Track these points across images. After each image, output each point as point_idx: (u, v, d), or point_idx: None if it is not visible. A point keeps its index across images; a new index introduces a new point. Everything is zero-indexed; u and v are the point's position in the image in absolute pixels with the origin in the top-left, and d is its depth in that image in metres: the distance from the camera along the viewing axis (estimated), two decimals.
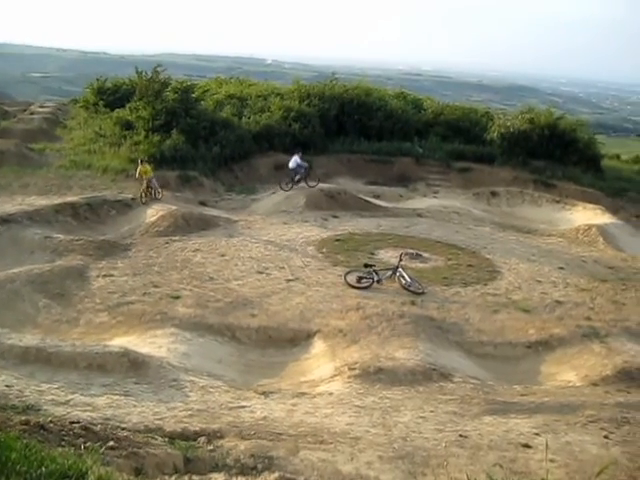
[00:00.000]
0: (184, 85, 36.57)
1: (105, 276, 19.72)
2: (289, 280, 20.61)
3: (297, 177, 31.32)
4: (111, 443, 8.42)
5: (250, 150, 35.68)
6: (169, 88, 35.71)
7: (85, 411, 10.93)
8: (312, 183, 31.29)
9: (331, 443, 10.81)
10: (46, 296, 17.88)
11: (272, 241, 24.43)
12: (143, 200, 26.87)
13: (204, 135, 34.40)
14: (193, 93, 37.23)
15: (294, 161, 31.21)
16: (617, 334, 18.19)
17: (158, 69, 36.64)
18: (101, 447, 8.02)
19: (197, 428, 10.81)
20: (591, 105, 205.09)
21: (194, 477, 8.15)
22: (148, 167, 27.52)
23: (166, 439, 9.97)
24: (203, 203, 29.52)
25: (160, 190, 27.69)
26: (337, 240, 25.12)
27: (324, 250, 23.75)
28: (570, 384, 15.68)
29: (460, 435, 11.62)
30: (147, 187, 27.19)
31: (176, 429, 10.67)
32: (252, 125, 37.21)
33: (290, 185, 31.19)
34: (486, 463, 10.28)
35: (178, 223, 25.06)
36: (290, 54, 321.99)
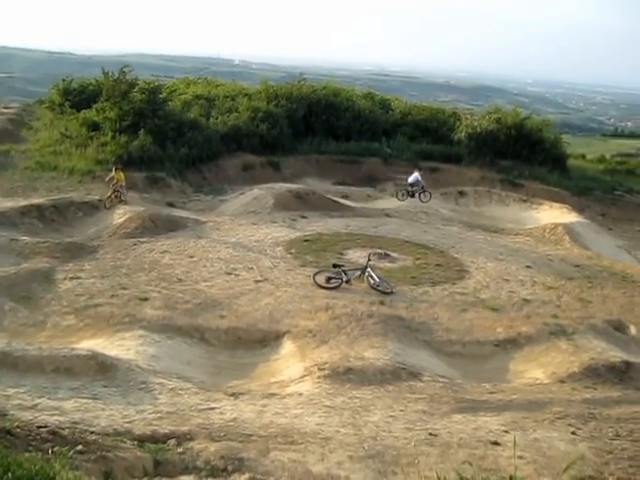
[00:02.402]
0: (151, 86, 36.28)
1: (72, 278, 19.52)
2: (258, 281, 20.57)
3: (413, 190, 33.16)
4: (79, 447, 8.35)
5: (218, 151, 35.56)
6: (136, 89, 35.43)
7: (53, 415, 10.82)
8: (425, 199, 33.03)
9: (301, 443, 10.82)
10: (12, 299, 17.64)
11: (241, 242, 24.36)
12: (107, 205, 26.59)
13: (172, 136, 34.20)
14: (160, 94, 36.97)
15: (414, 177, 33.28)
16: (583, 331, 18.38)
17: (125, 70, 36.47)
18: (69, 451, 7.95)
19: (167, 430, 10.75)
20: (557, 105, 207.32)
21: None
22: (122, 174, 27.37)
23: (135, 442, 9.91)
24: (171, 204, 29.35)
25: (126, 192, 27.54)
26: (306, 240, 25.12)
27: (293, 251, 23.74)
28: (538, 381, 15.82)
29: (430, 433, 11.68)
30: (114, 192, 26.96)
31: (145, 432, 10.60)
32: (220, 126, 37.10)
33: (405, 197, 33.28)
34: (456, 461, 10.34)
35: (146, 224, 24.90)
36: (258, 55, 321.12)
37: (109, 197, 26.85)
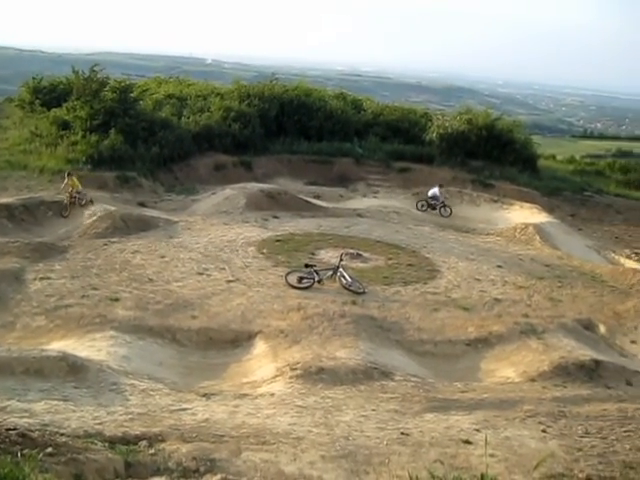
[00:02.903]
0: (122, 84, 36.04)
1: (42, 279, 19.34)
2: (230, 281, 20.53)
3: (433, 203, 33.31)
4: (50, 449, 8.27)
5: (190, 150, 35.39)
6: (107, 87, 35.19)
7: (22, 417, 10.71)
8: (445, 214, 32.97)
9: (274, 444, 10.81)
10: None
11: (212, 242, 24.27)
12: (65, 214, 25.89)
13: (143, 135, 33.99)
14: (132, 93, 36.73)
15: (433, 192, 33.33)
16: (554, 330, 18.59)
17: (96, 68, 36.15)
18: (39, 454, 7.87)
19: (138, 432, 10.69)
20: (527, 106, 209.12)
21: None
22: (75, 180, 26.74)
23: (106, 444, 9.83)
24: (142, 204, 29.18)
25: (85, 194, 26.93)
26: (278, 240, 25.10)
27: (265, 251, 23.71)
28: (509, 380, 15.96)
29: (402, 433, 11.73)
30: (71, 199, 26.30)
31: (116, 433, 10.53)
32: (192, 125, 36.94)
33: (425, 208, 33.42)
34: (428, 460, 10.39)
35: (117, 224, 24.74)
36: (230, 54, 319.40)
37: (66, 205, 26.19)
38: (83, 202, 26.60)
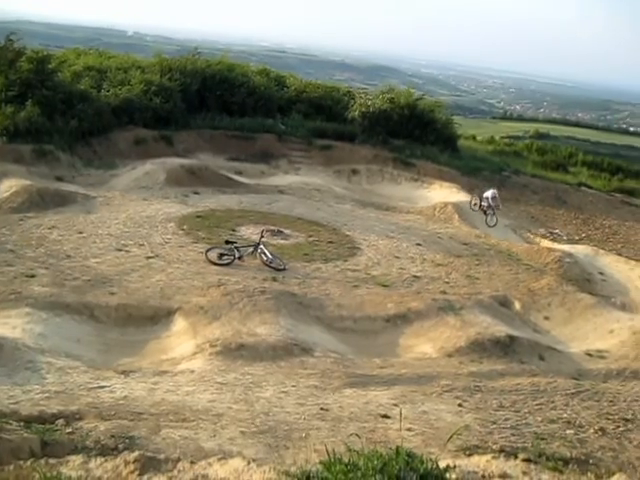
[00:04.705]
0: (40, 55, 34.94)
1: None
2: (149, 257, 20.29)
3: (483, 205, 30.58)
4: None
5: (109, 124, 34.64)
6: (24, 58, 34.16)
7: None
8: (491, 222, 30.24)
9: (193, 421, 10.81)
10: None
11: (131, 218, 23.91)
12: None
13: (61, 108, 33.11)
14: (49, 64, 35.66)
15: (486, 194, 30.52)
16: (470, 307, 18.98)
17: (12, 37, 35.04)
18: None
19: (55, 410, 10.54)
20: (450, 87, 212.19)
21: (51, 461, 7.99)
22: None
23: (22, 423, 9.67)
24: (60, 178, 28.51)
25: None
26: (198, 217, 24.91)
27: (185, 227, 23.51)
28: (427, 356, 16.26)
29: (321, 408, 11.86)
30: None
31: (32, 412, 10.35)
32: (111, 98, 36.14)
33: (476, 209, 30.90)
34: (346, 434, 10.53)
35: (33, 199, 24.11)
36: (152, 26, 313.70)
37: None
38: None
